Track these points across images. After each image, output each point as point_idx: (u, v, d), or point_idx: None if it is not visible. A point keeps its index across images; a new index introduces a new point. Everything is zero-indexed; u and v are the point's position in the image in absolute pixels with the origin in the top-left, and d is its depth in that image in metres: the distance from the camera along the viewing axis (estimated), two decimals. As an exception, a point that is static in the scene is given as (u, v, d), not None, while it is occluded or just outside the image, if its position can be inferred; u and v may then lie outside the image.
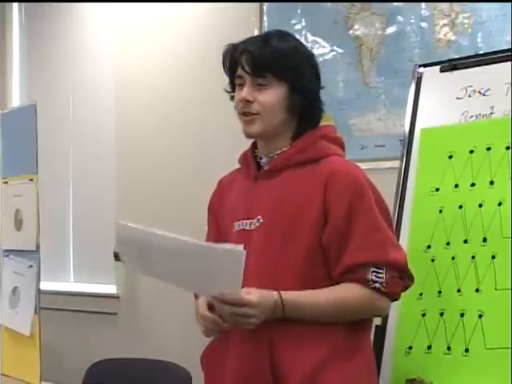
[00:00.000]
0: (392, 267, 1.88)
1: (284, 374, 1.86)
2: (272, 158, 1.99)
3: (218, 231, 2.09)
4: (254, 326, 1.81)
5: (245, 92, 1.94)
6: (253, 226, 1.95)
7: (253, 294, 1.80)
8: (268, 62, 1.91)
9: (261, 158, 2.02)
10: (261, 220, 1.94)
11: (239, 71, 1.95)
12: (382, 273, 1.86)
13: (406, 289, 1.95)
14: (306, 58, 1.98)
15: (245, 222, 1.97)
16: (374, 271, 1.86)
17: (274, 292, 1.84)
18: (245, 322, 1.81)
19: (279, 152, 1.98)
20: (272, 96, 1.93)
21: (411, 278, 1.94)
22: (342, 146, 2.03)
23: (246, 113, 1.95)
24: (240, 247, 1.71)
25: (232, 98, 2.03)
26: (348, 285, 1.88)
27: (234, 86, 2.01)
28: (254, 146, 2.06)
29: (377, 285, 1.86)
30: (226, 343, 1.93)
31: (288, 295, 1.84)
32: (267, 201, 1.94)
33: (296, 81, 1.93)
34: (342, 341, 1.89)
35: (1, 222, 2.94)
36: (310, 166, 1.94)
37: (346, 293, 1.88)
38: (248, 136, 2.01)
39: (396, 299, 1.95)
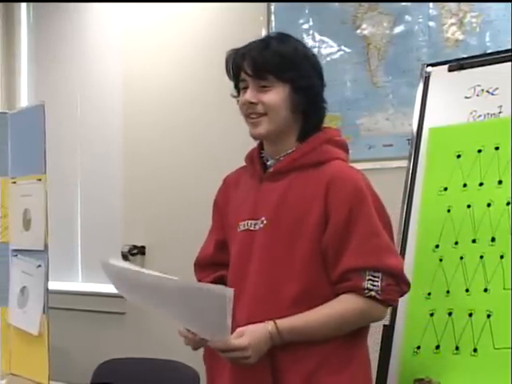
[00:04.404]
0: (388, 274, 1.89)
1: (283, 379, 1.90)
2: (278, 159, 2.01)
3: (222, 228, 2.12)
4: (253, 362, 1.84)
5: (248, 95, 1.96)
6: (257, 227, 1.97)
7: (244, 336, 1.82)
8: (269, 64, 1.93)
9: (267, 160, 2.04)
10: (264, 221, 1.96)
11: (242, 75, 1.98)
12: (377, 280, 1.88)
13: (402, 295, 1.98)
14: (307, 58, 2.00)
15: (250, 222, 2.00)
16: (369, 279, 1.88)
17: (270, 322, 1.86)
18: (242, 363, 1.84)
19: (285, 154, 2.00)
20: (275, 96, 1.95)
21: (408, 284, 1.96)
22: (345, 149, 2.05)
23: (251, 114, 1.97)
24: (229, 290, 1.70)
25: (238, 102, 2.05)
26: (344, 298, 1.90)
27: (238, 90, 2.03)
28: (261, 146, 2.08)
29: (372, 293, 1.88)
30: None
31: (284, 323, 1.87)
32: (271, 202, 1.96)
33: (297, 80, 1.95)
34: (338, 347, 1.92)
35: (9, 221, 2.95)
36: (314, 169, 1.96)
37: (344, 307, 1.90)
38: (255, 138, 2.03)
39: (392, 305, 2.00)
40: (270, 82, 1.94)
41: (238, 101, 2.05)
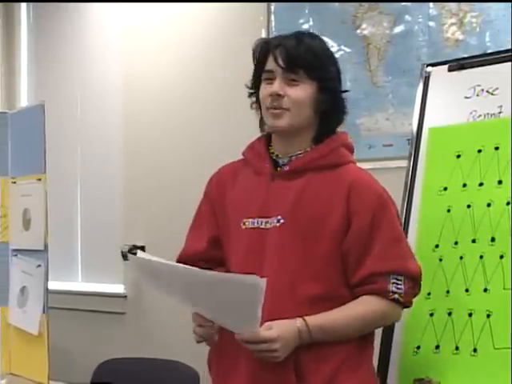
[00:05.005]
0: (409, 278, 1.93)
1: (305, 379, 1.90)
2: (291, 158, 2.00)
3: (217, 224, 2.09)
4: (281, 358, 1.83)
5: (276, 86, 1.95)
6: (269, 225, 1.95)
7: (273, 329, 1.82)
8: (302, 59, 1.93)
9: (277, 156, 2.02)
10: (281, 220, 1.94)
11: (271, 65, 1.97)
12: (401, 284, 1.91)
13: (414, 297, 2.00)
14: (333, 59, 2.02)
15: (259, 220, 1.97)
16: (394, 282, 1.91)
17: (297, 319, 1.86)
18: (270, 357, 1.83)
19: (298, 153, 1.99)
20: (302, 92, 1.95)
21: (420, 287, 2.00)
22: (353, 152, 2.07)
23: (275, 106, 1.95)
24: (262, 280, 1.70)
25: (251, 94, 2.05)
26: (366, 299, 1.92)
27: (256, 81, 2.03)
28: (267, 142, 2.06)
29: (396, 296, 1.91)
30: (236, 351, 1.90)
31: (312, 320, 1.87)
32: (288, 201, 1.95)
33: (324, 81, 1.96)
34: (357, 346, 1.95)
35: (9, 221, 2.95)
36: (329, 171, 1.97)
37: (365, 309, 1.92)
38: (274, 130, 2.01)
39: (409, 307, 2.01)
40: (299, 76, 1.94)
41: (249, 94, 2.05)
